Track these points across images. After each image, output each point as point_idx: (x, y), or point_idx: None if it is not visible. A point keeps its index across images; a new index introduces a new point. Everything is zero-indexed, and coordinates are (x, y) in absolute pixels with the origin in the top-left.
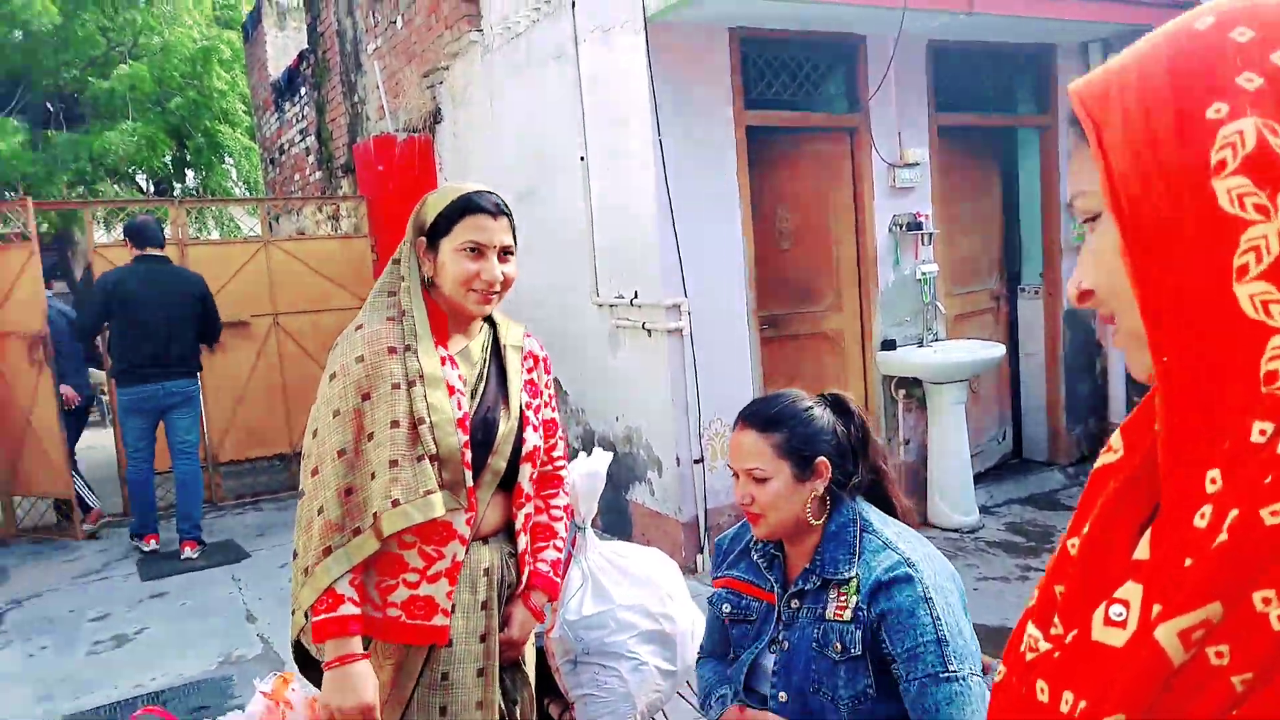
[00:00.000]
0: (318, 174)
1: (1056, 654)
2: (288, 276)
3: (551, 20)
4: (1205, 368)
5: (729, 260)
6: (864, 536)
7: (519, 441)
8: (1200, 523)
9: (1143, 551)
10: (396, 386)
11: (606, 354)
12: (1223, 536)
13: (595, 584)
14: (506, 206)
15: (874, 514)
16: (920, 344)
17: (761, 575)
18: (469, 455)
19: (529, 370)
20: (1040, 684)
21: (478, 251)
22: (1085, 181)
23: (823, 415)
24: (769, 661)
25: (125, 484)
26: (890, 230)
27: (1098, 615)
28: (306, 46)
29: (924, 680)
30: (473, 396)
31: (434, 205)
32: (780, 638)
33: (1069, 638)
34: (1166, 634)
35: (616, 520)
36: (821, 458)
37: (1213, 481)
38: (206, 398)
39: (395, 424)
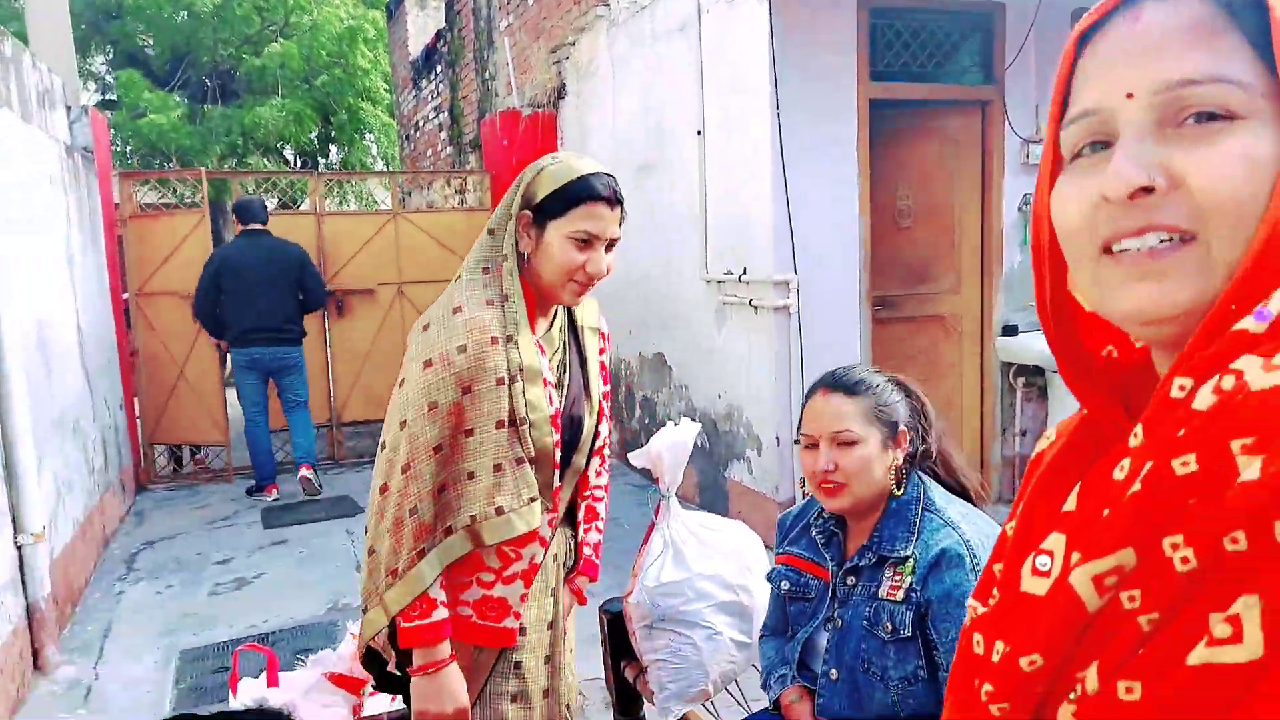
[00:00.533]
0: (448, 149)
1: (991, 606)
2: (414, 247)
3: None
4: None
5: (843, 238)
6: (925, 515)
7: (595, 434)
8: (1119, 474)
9: (1070, 504)
10: (500, 381)
11: (712, 330)
12: (1136, 486)
13: (676, 552)
14: (621, 194)
15: (938, 492)
16: None
17: (819, 552)
18: (558, 455)
19: (601, 352)
20: (976, 637)
21: (588, 242)
22: (1226, 68)
23: (894, 389)
24: (823, 639)
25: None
26: (1020, 209)
27: (1026, 566)
28: (444, 25)
29: None
30: (558, 389)
31: (549, 180)
32: (835, 615)
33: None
34: (1080, 579)
35: (714, 497)
36: (903, 427)
37: (1135, 436)
38: (334, 360)
39: (500, 424)
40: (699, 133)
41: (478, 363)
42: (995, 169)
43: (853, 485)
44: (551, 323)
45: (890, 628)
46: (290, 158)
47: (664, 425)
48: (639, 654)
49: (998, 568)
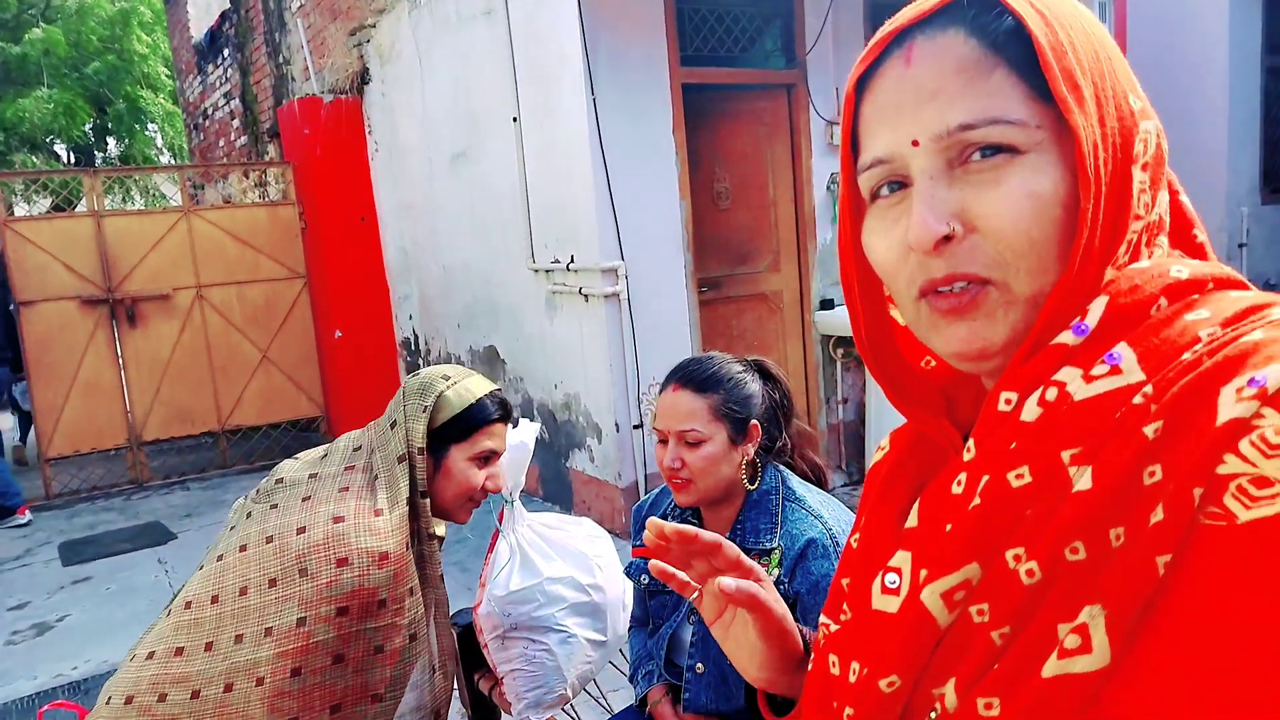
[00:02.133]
0: (243, 139)
1: (843, 624)
2: (212, 246)
3: None
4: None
5: (666, 222)
6: (786, 505)
7: None
8: (957, 489)
9: (912, 520)
10: (415, 637)
11: (544, 320)
12: (976, 500)
13: (523, 558)
14: (510, 406)
15: (796, 482)
16: None
17: None
18: None
19: None
20: (832, 658)
21: (488, 460)
22: (1000, 107)
23: (752, 379)
24: (687, 633)
25: None
26: (829, 188)
27: (876, 584)
28: (229, 6)
29: None
30: None
31: (448, 406)
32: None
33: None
34: (931, 596)
35: (557, 489)
36: (754, 421)
37: (968, 450)
38: (129, 374)
39: (385, 686)
40: (515, 119)
41: (393, 623)
42: (803, 150)
43: (698, 482)
44: None
45: None
46: (63, 153)
47: None
48: (492, 665)
49: (845, 582)
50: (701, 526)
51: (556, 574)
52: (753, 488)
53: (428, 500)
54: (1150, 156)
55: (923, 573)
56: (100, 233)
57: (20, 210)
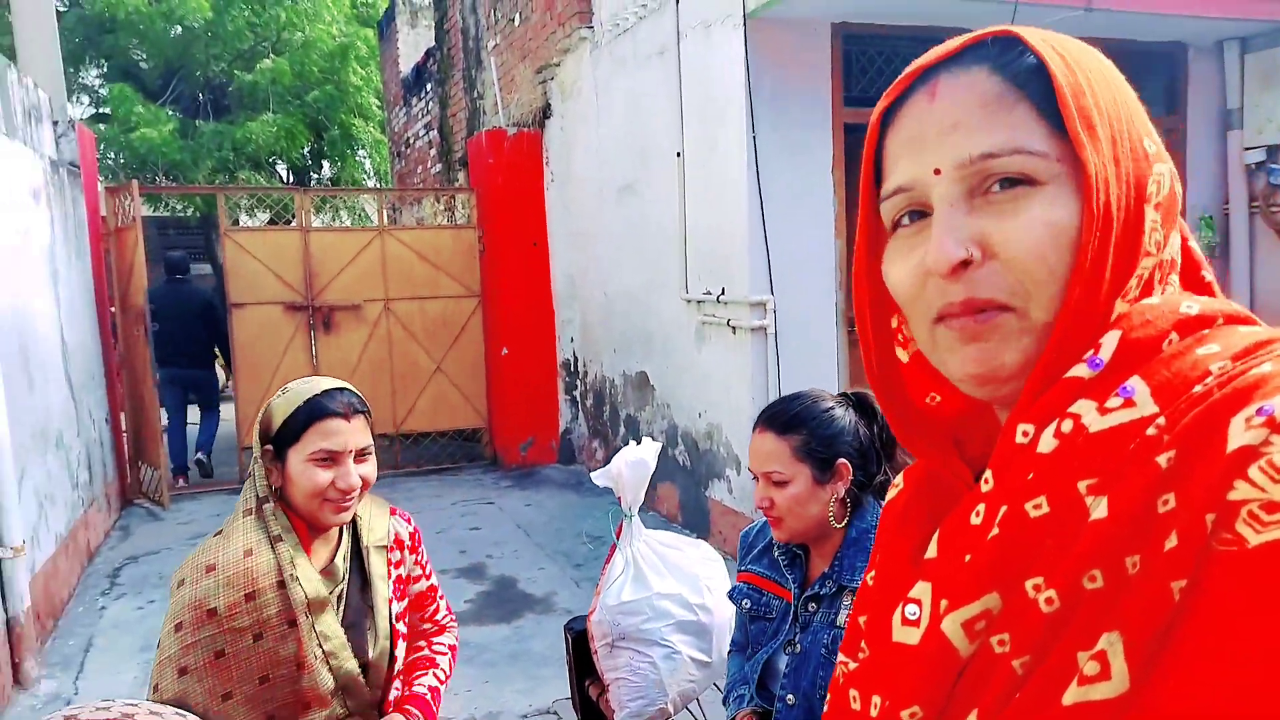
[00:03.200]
0: (438, 166)
1: (863, 660)
2: (401, 264)
3: (656, 16)
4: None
5: (820, 260)
6: None
7: (391, 660)
8: (976, 520)
9: (932, 551)
10: (271, 630)
11: (693, 350)
12: (995, 530)
13: (636, 571)
14: (363, 403)
15: None
16: None
17: (782, 573)
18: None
19: (397, 565)
20: (852, 693)
21: (331, 459)
22: (1023, 139)
23: (844, 415)
24: (782, 662)
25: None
26: None
27: (896, 617)
28: (434, 44)
29: None
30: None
31: (278, 412)
32: (795, 639)
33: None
34: (952, 626)
35: (696, 517)
36: (842, 460)
37: (986, 481)
38: (320, 374)
39: (264, 679)
40: (678, 154)
41: (231, 628)
42: None
43: (787, 521)
44: (335, 552)
45: None
46: (282, 173)
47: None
48: (600, 673)
49: (863, 620)
50: (806, 560)
51: (666, 590)
52: (839, 526)
53: (270, 504)
54: (1163, 197)
55: (943, 603)
56: (306, 246)
57: (244, 222)
